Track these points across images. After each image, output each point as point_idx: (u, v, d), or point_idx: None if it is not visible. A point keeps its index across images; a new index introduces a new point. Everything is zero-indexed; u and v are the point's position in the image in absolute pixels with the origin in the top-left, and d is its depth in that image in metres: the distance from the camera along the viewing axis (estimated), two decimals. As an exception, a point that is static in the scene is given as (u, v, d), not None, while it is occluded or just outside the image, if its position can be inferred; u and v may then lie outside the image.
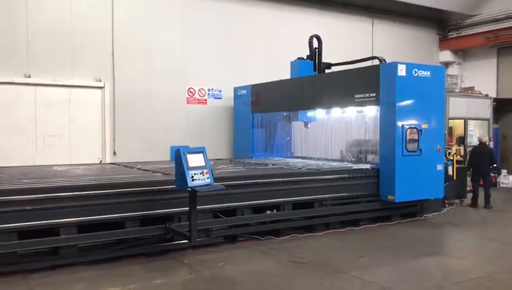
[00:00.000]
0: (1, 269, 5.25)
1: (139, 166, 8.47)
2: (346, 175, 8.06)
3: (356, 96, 8.56)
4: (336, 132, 9.96)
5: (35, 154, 9.91)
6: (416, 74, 8.08)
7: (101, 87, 10.76)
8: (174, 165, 6.02)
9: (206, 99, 12.31)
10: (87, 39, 10.59)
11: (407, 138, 7.99)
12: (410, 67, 8.04)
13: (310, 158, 10.34)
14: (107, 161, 10.57)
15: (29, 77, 9.95)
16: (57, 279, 5.23)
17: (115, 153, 10.96)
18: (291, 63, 10.72)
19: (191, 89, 12.09)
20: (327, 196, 7.76)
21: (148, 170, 7.78)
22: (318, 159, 10.11)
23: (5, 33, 9.73)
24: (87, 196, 5.73)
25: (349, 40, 14.11)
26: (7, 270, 5.28)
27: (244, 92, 11.63)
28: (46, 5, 10.21)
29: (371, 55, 11.04)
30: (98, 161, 10.40)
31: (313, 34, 10.68)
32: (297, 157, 10.87)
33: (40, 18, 10.10)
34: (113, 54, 10.93)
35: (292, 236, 7.22)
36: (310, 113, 10.12)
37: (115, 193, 5.92)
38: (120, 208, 5.92)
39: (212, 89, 12.37)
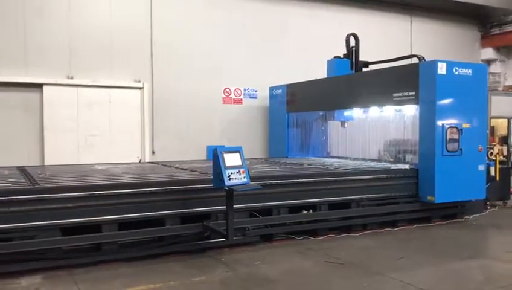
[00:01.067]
0: (46, 264, 5.45)
1: (177, 165, 8.61)
2: (384, 175, 7.94)
3: (394, 95, 8.42)
4: (373, 131, 9.82)
5: (78, 153, 10.24)
6: (457, 72, 7.88)
7: (140, 88, 11.01)
8: (210, 164, 6.09)
9: (241, 99, 12.39)
10: (126, 41, 10.86)
11: (448, 137, 7.80)
12: (450, 65, 7.85)
13: (347, 158, 10.24)
14: (146, 160, 10.81)
15: (72, 78, 10.28)
16: (99, 275, 5.38)
17: (153, 152, 11.19)
18: (328, 61, 10.65)
19: (227, 89, 12.19)
20: (364, 196, 7.67)
21: (185, 169, 7.90)
22: (355, 159, 10.00)
23: (49, 36, 10.09)
24: (128, 194, 5.87)
25: (386, 38, 13.88)
26: (52, 265, 5.46)
27: (279, 91, 11.63)
28: (87, 8, 10.53)
29: (409, 54, 10.86)
30: (137, 160, 10.65)
31: (350, 32, 10.58)
32: (334, 157, 10.79)
33: (81, 21, 10.42)
34: (151, 55, 11.16)
35: (329, 236, 7.18)
36: (346, 113, 10.03)
37: (155, 191, 6.05)
38: (160, 206, 6.04)
39: (248, 89, 12.44)
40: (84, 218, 5.61)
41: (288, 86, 11.32)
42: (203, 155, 11.35)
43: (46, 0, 10.10)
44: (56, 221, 5.47)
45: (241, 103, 12.37)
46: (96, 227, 5.71)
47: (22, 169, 7.82)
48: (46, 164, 9.73)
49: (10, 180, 6.30)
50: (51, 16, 10.14)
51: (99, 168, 8.16)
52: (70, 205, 5.54)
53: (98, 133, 10.47)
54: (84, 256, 5.69)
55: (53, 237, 5.47)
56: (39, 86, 9.95)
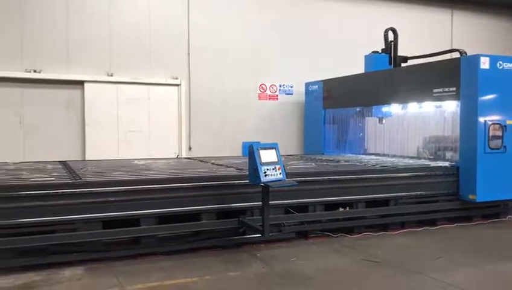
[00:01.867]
0: (87, 256, 5.62)
1: (212, 161, 8.70)
2: (423, 173, 7.77)
3: (434, 90, 8.22)
4: (412, 127, 9.61)
5: (117, 148, 10.50)
6: (501, 67, 7.61)
7: (177, 85, 11.17)
8: (246, 160, 6.12)
9: (277, 95, 12.38)
10: (164, 39, 11.03)
11: (490, 134, 7.55)
12: (494, 59, 7.59)
13: (384, 155, 10.07)
14: (183, 156, 10.97)
15: (112, 75, 10.54)
16: (138, 267, 5.50)
17: (190, 148, 11.34)
18: (365, 57, 10.49)
19: (262, 85, 12.21)
20: (403, 194, 7.53)
21: (221, 165, 7.97)
22: (393, 156, 9.82)
23: (90, 35, 10.38)
24: (167, 189, 5.98)
25: (425, 33, 13.57)
26: (93, 258, 5.63)
27: (315, 87, 11.55)
28: (126, 7, 10.76)
29: (449, 48, 10.57)
30: (174, 156, 10.82)
31: (388, 26, 10.39)
32: (371, 154, 10.63)
33: (121, 20, 10.66)
34: (188, 52, 11.30)
35: (365, 234, 7.09)
36: (384, 109, 9.86)
37: (193, 186, 6.13)
38: (197, 201, 6.12)
39: (284, 85, 12.41)
40: (124, 212, 5.75)
41: (325, 81, 11.22)
42: (238, 151, 11.42)
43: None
44: (97, 214, 5.63)
45: (277, 99, 12.36)
46: (135, 221, 5.84)
47: (64, 164, 8.09)
48: (87, 158, 10.03)
49: (54, 174, 6.53)
50: (92, 15, 10.41)
51: (139, 163, 8.34)
52: (111, 199, 5.69)
53: (137, 129, 10.71)
54: (124, 249, 5.83)
55: (94, 230, 5.63)
56: (81, 83, 10.26)
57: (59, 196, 5.48)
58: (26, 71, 9.84)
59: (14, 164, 8.16)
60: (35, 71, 9.90)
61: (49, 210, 5.43)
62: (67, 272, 5.26)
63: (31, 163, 8.33)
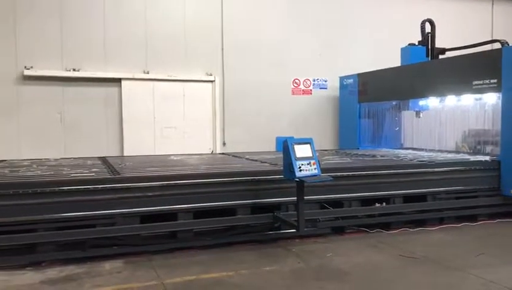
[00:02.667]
0: (126, 249, 5.76)
1: (247, 156, 8.74)
2: (462, 167, 7.56)
3: (474, 83, 7.97)
4: (450, 121, 9.37)
5: (154, 144, 10.70)
6: (545, 57, 7.31)
7: (211, 81, 11.27)
8: (279, 155, 6.11)
9: (311, 90, 12.31)
10: (199, 36, 11.16)
11: (534, 127, 7.28)
12: (538, 49, 7.31)
13: (422, 149, 9.87)
14: (217, 151, 11.07)
15: (148, 73, 10.73)
16: (176, 261, 5.60)
17: (224, 144, 11.44)
18: (402, 49, 10.28)
19: (296, 80, 12.17)
20: (441, 189, 7.36)
21: (255, 160, 7.99)
22: (430, 150, 9.61)
23: (126, 33, 10.60)
24: (203, 184, 6.06)
25: (464, 23, 13.17)
26: (132, 251, 5.77)
27: (350, 81, 11.41)
28: (161, 4, 10.92)
29: (489, 39, 10.23)
30: (209, 151, 10.94)
31: (425, 18, 10.14)
32: (408, 148, 10.44)
33: (156, 17, 10.84)
34: (222, 48, 11.38)
35: (403, 230, 6.97)
36: (421, 102, 9.62)
37: (228, 181, 6.18)
38: (232, 196, 6.17)
39: (317, 79, 12.33)
40: (161, 206, 5.86)
41: (360, 75, 11.07)
42: (271, 146, 11.43)
43: (124, -2, 10.63)
44: (135, 209, 5.76)
45: (311, 93, 12.30)
46: (172, 215, 5.94)
47: (103, 159, 8.30)
48: (124, 154, 10.27)
49: (93, 170, 6.71)
50: (128, 13, 10.63)
51: (175, 158, 8.46)
52: (148, 194, 5.80)
53: (172, 125, 10.88)
54: (161, 243, 5.94)
55: (133, 224, 5.76)
56: (118, 80, 10.49)
57: (99, 191, 5.63)
58: (66, 70, 10.15)
59: (56, 159, 8.44)
60: (74, 70, 10.19)
61: (90, 205, 5.59)
62: (108, 265, 5.41)
63: (71, 159, 8.59)
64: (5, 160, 8.36)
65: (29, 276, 5.05)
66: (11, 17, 9.84)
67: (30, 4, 9.95)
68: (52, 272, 5.16)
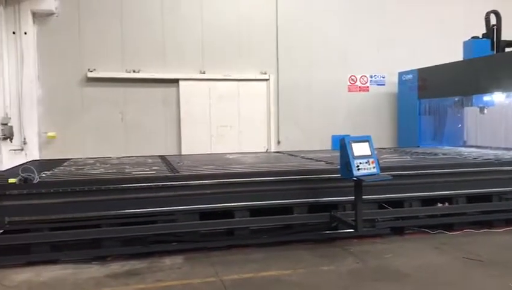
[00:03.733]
0: (186, 246, 5.88)
1: (302, 155, 8.70)
2: (531, 166, 7.14)
3: (545, 76, 7.51)
4: (518, 117, 8.90)
5: (210, 143, 10.89)
6: None
7: (266, 80, 11.30)
8: (335, 154, 6.03)
9: (368, 86, 12.07)
10: (253, 35, 11.22)
11: None
12: None
13: (486, 147, 9.43)
14: (272, 150, 11.09)
15: (204, 73, 10.92)
16: (233, 258, 5.66)
17: (279, 142, 11.43)
18: (464, 43, 9.84)
19: (352, 77, 11.97)
20: (508, 189, 6.99)
21: (311, 159, 7.94)
22: (496, 148, 9.16)
23: (183, 34, 10.84)
24: (259, 182, 6.08)
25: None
26: (191, 247, 5.88)
27: (409, 76, 11.07)
28: (217, 5, 11.07)
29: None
30: (264, 150, 10.98)
31: (489, 9, 9.66)
32: (471, 146, 10.00)
33: (212, 18, 11.00)
34: (277, 46, 11.38)
35: (466, 231, 6.68)
36: (486, 98, 9.18)
37: (284, 179, 6.18)
38: (288, 194, 6.16)
39: (375, 76, 12.07)
40: (219, 204, 5.94)
41: (420, 70, 10.71)
42: (327, 145, 11.31)
43: (181, -1, 10.87)
44: (194, 206, 5.88)
45: (368, 90, 12.05)
46: (229, 213, 6.01)
47: (162, 158, 8.54)
48: (182, 153, 10.51)
49: (154, 168, 6.92)
50: (185, 15, 10.86)
51: (230, 157, 8.57)
52: (207, 192, 5.91)
53: (227, 124, 11.01)
54: (219, 240, 6.03)
55: (192, 221, 5.88)
56: (176, 81, 10.75)
57: (159, 189, 5.79)
58: (127, 71, 10.52)
59: (117, 158, 8.77)
60: (134, 71, 10.54)
61: (151, 202, 5.76)
62: (168, 261, 5.56)
63: (132, 157, 8.90)
64: (71, 158, 8.78)
65: (95, 270, 5.28)
66: (76, 22, 10.31)
67: (93, 9, 10.39)
68: (116, 267, 5.37)
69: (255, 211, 6.10)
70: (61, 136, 10.24)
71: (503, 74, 8.39)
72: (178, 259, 5.61)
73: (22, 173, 5.60)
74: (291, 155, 8.86)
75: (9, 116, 9.61)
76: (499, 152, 8.51)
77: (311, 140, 11.46)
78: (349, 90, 11.94)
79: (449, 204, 6.78)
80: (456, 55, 9.97)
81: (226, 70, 11.04)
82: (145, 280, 4.97)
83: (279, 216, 6.14)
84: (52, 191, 5.53)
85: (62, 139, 10.23)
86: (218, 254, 5.78)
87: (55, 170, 6.83)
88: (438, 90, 10.20)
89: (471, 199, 6.88)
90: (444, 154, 8.38)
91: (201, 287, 4.75)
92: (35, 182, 5.57)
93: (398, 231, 6.61)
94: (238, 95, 11.11)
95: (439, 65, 10.16)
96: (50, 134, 10.17)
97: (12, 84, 9.68)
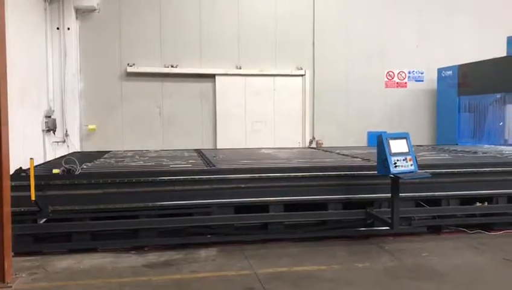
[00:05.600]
0: (220, 238, 5.96)
1: (337, 151, 8.63)
2: None
3: None
4: None
5: (245, 137, 10.97)
6: None
7: (301, 75, 11.28)
8: (371, 150, 5.96)
9: (406, 83, 11.87)
10: (289, 30, 11.23)
11: None
12: None
13: (529, 146, 9.12)
14: (307, 145, 11.07)
15: (240, 68, 11.00)
16: (267, 252, 5.70)
17: (314, 138, 11.39)
18: (508, 38, 9.54)
19: (390, 73, 11.79)
20: (552, 189, 6.74)
21: (347, 155, 7.87)
22: (540, 147, 8.85)
23: (220, 30, 10.99)
24: (294, 178, 6.09)
25: None
26: (225, 240, 5.96)
27: (449, 73, 10.81)
28: (253, 2, 11.13)
29: None
30: (299, 145, 10.97)
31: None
32: (513, 145, 9.70)
33: (248, 14, 11.08)
34: (313, 42, 11.34)
35: (506, 232, 6.49)
36: (530, 95, 8.90)
37: (319, 175, 6.16)
38: (323, 190, 6.13)
39: (413, 72, 11.85)
40: (254, 198, 5.99)
41: (460, 66, 10.45)
42: (363, 141, 11.20)
43: (218, -5, 10.96)
44: (230, 199, 5.94)
45: (406, 86, 11.85)
46: (264, 207, 6.05)
47: (198, 151, 8.66)
48: (218, 147, 10.63)
49: (190, 161, 7.03)
50: (222, 11, 10.98)
51: (265, 152, 8.60)
52: (242, 186, 5.96)
53: (262, 119, 11.06)
54: (254, 234, 6.08)
55: (227, 214, 5.95)
56: (212, 76, 10.89)
57: (196, 182, 5.89)
58: (165, 66, 10.72)
59: (155, 151, 8.95)
60: (172, 66, 10.73)
61: (187, 194, 5.86)
62: (203, 253, 5.65)
63: (169, 151, 9.06)
64: (111, 151, 9.02)
65: (133, 259, 5.43)
66: (116, 18, 10.57)
67: (132, 5, 10.62)
68: (153, 257, 5.50)
69: (289, 206, 6.12)
70: (102, 128, 10.55)
71: (549, 71, 8.10)
72: (213, 251, 5.70)
73: (65, 164, 5.81)
74: (327, 151, 8.81)
75: (52, 109, 9.96)
76: (543, 151, 8.22)
77: (347, 136, 11.39)
78: (387, 86, 11.77)
79: (488, 204, 6.60)
80: (500, 51, 9.67)
81: (262, 66, 11.08)
82: (181, 270, 5.08)
83: (314, 212, 6.14)
84: (93, 182, 5.70)
85: (102, 132, 10.54)
86: (252, 248, 5.82)
87: (96, 162, 7.04)
88: (479, 87, 9.93)
89: (511, 199, 6.67)
90: (483, 152, 8.15)
91: (236, 279, 4.81)
92: (77, 173, 5.76)
93: (435, 230, 6.50)
94: (273, 90, 11.14)
95: (481, 61, 9.89)
96: (91, 127, 10.50)
97: (55, 79, 10.04)
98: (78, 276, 4.90)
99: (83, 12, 10.40)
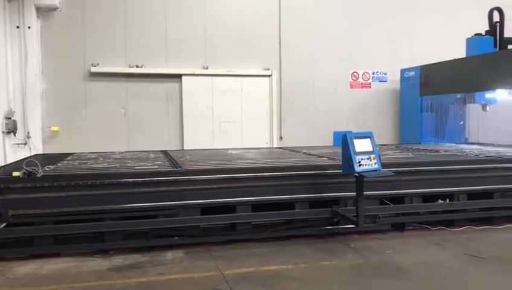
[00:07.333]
0: (187, 240, 5.91)
1: (304, 150, 8.71)
2: (533, 163, 7.15)
3: (548, 74, 7.52)
4: (520, 114, 8.90)
5: (212, 138, 10.92)
6: None
7: (268, 76, 11.32)
8: (337, 150, 6.04)
9: (370, 83, 12.08)
10: (256, 31, 11.26)
11: None
12: None
13: (488, 145, 9.43)
14: (274, 145, 11.12)
15: (207, 68, 10.95)
16: (234, 253, 5.69)
17: (281, 138, 11.46)
18: (467, 40, 9.84)
19: (354, 73, 11.97)
20: (509, 186, 6.99)
21: (313, 155, 7.95)
22: (498, 145, 9.16)
23: (186, 30, 10.88)
24: (261, 178, 6.10)
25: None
26: (192, 242, 5.91)
27: (412, 73, 11.08)
28: (220, 2, 11.09)
29: None
30: (266, 145, 11.01)
31: (493, 6, 9.65)
32: (473, 143, 10.00)
33: (215, 14, 11.05)
34: (280, 42, 11.40)
35: (467, 228, 6.70)
36: (488, 95, 9.19)
37: (286, 175, 6.20)
38: (290, 190, 6.17)
39: (377, 72, 12.07)
40: (221, 199, 5.97)
41: (423, 67, 10.72)
42: (329, 141, 11.32)
43: (184, -5, 10.87)
44: (196, 201, 5.90)
45: (370, 87, 12.06)
46: (231, 208, 6.04)
47: (165, 153, 8.57)
48: (185, 148, 10.55)
49: (156, 162, 6.94)
50: (188, 10, 10.90)
51: (233, 152, 8.58)
52: (208, 187, 5.93)
53: (230, 119, 11.04)
54: (221, 235, 6.06)
55: (193, 216, 5.91)
56: (178, 76, 10.79)
57: (162, 183, 5.82)
58: (130, 66, 10.56)
59: (120, 153, 8.80)
60: (137, 66, 10.58)
61: (153, 196, 5.78)
62: (170, 255, 5.59)
63: (135, 152, 8.93)
64: (74, 153, 8.82)
65: (98, 263, 5.32)
66: (80, 17, 10.34)
67: (96, 4, 10.41)
68: (118, 260, 5.41)
69: (257, 206, 6.13)
70: (65, 130, 10.30)
71: (506, 71, 8.40)
72: (179, 253, 5.65)
73: (26, 166, 5.64)
74: (294, 151, 8.87)
75: (13, 110, 9.66)
76: (501, 149, 8.52)
77: (313, 136, 11.49)
78: (352, 87, 11.96)
79: (450, 201, 6.79)
80: (458, 52, 9.97)
81: (229, 66, 11.06)
82: (147, 273, 5.01)
83: (280, 211, 6.17)
84: (55, 184, 5.56)
85: (65, 134, 10.29)
86: (219, 249, 5.80)
87: (59, 164, 6.87)
88: (440, 87, 10.21)
89: (472, 195, 6.88)
90: (445, 151, 8.39)
91: (202, 281, 4.78)
92: (38, 175, 5.60)
93: (399, 227, 6.63)
94: (240, 90, 11.14)
95: (442, 62, 10.17)
96: (53, 128, 10.23)
97: (16, 79, 9.73)
98: (40, 282, 4.77)
99: (44, 11, 10.12)
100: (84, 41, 10.38)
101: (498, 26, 9.52)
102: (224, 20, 11.09)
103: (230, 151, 8.79)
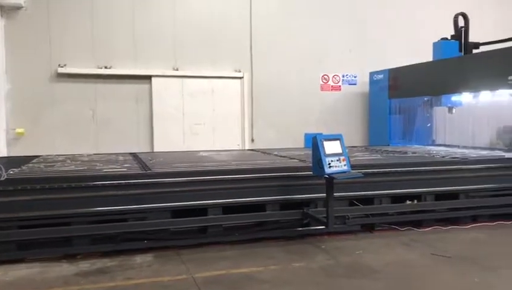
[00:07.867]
0: (156, 243, 5.83)
1: (275, 152, 8.73)
2: (496, 165, 7.34)
3: (510, 78, 7.75)
4: (484, 117, 9.15)
5: (183, 140, 10.83)
6: None
7: (240, 78, 11.31)
8: (308, 152, 6.07)
9: (340, 86, 12.22)
10: (227, 33, 11.23)
11: None
12: None
13: (455, 146, 9.66)
14: (246, 148, 11.11)
15: (177, 70, 10.86)
16: (205, 255, 5.65)
17: (252, 140, 11.47)
18: (434, 44, 10.08)
19: (325, 76, 12.09)
20: (474, 187, 7.18)
21: (284, 156, 7.98)
22: (463, 147, 9.40)
23: (155, 30, 10.77)
24: (232, 180, 6.08)
25: (503, 18, 12.78)
26: (162, 245, 5.83)
27: (380, 76, 11.26)
28: (189, 3, 11.02)
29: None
30: (237, 147, 10.99)
31: (458, 12, 9.91)
32: (440, 145, 10.23)
33: (185, 14, 10.97)
34: (251, 45, 11.41)
35: (434, 228, 6.84)
36: (454, 98, 9.42)
37: (257, 177, 6.20)
38: (261, 192, 6.17)
39: (347, 75, 12.22)
40: (191, 202, 5.91)
41: (391, 70, 10.92)
42: (300, 143, 11.39)
43: (153, -5, 10.76)
44: (166, 204, 5.82)
45: (340, 89, 12.20)
46: (202, 210, 5.99)
47: (134, 155, 8.44)
48: (155, 150, 10.42)
49: (125, 165, 6.83)
50: (157, 11, 10.78)
51: (204, 154, 8.53)
52: (178, 189, 5.86)
53: (201, 121, 10.97)
54: (191, 238, 6.00)
55: (163, 219, 5.83)
56: (148, 77, 10.66)
57: (131, 186, 5.73)
58: (98, 67, 10.36)
59: (88, 155, 8.62)
60: (106, 67, 10.40)
61: (122, 199, 5.69)
62: (139, 259, 5.50)
63: (103, 155, 8.77)
64: (40, 155, 8.59)
65: (64, 268, 5.19)
66: (45, 16, 10.09)
67: (63, 3, 10.18)
68: (86, 265, 5.29)
69: (227, 209, 6.10)
70: (30, 132, 10.02)
71: (471, 75, 8.63)
72: (149, 257, 5.56)
73: (-12, 170, 5.46)
74: (265, 153, 8.88)
75: (-25, 111, 9.35)
76: (466, 151, 8.74)
77: (285, 138, 11.53)
78: (322, 90, 12.07)
79: (418, 201, 6.92)
80: (426, 56, 10.19)
81: (200, 68, 11.00)
82: (115, 278, 4.91)
83: (251, 213, 6.16)
84: (20, 188, 5.40)
85: (31, 136, 10.01)
86: (189, 252, 5.74)
87: (24, 167, 6.67)
88: (408, 90, 10.42)
89: (439, 196, 7.04)
90: (413, 152, 8.55)
91: (171, 285, 4.72)
92: (2, 179, 5.43)
93: (368, 228, 6.72)
94: (211, 92, 11.09)
95: (409, 65, 10.37)
96: (18, 130, 9.94)
97: (-22, 79, 9.42)
98: (4, 289, 4.61)
99: (8, 10, 9.84)
100: (51, 41, 10.13)
101: (463, 31, 9.78)
102: (194, 22, 11.02)
103: (201, 154, 8.73)
